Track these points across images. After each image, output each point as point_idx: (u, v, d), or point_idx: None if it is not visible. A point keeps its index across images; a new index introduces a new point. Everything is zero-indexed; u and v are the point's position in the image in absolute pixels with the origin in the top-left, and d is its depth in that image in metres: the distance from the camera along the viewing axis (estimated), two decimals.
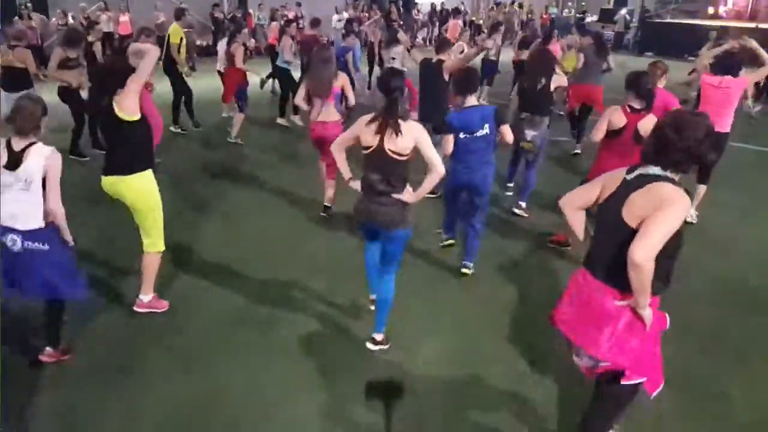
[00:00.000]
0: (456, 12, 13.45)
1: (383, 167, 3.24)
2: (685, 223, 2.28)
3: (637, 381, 2.32)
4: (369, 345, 3.60)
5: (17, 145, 3.03)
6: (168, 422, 3.01)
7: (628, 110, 4.19)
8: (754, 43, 5.30)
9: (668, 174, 2.19)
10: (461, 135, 4.17)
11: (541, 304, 4.04)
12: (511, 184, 6.19)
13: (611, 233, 2.27)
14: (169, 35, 8.23)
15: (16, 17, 12.85)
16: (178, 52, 8.19)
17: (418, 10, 20.89)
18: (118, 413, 3.07)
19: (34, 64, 6.91)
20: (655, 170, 2.21)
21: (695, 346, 3.70)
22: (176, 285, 4.33)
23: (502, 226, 5.51)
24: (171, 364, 3.46)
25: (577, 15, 21.83)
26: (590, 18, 20.65)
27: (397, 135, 3.15)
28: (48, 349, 3.37)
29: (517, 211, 5.70)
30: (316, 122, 5.23)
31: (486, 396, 3.27)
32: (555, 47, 8.75)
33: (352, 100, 5.37)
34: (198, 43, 17.11)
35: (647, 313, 2.20)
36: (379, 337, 3.59)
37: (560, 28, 14.43)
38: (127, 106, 3.44)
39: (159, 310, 3.94)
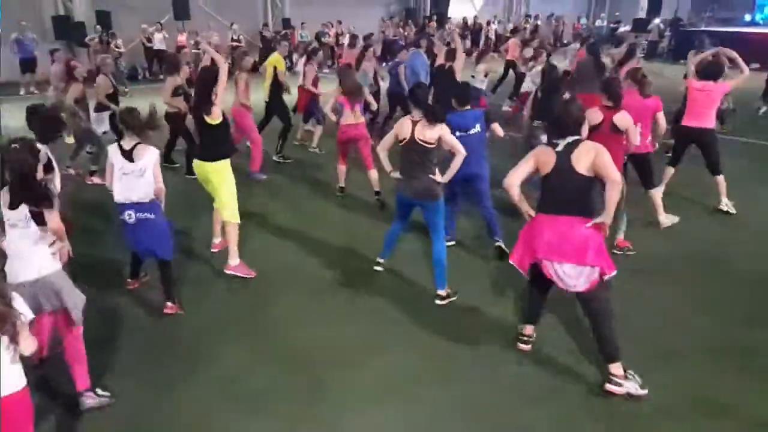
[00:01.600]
0: (514, 31, 13.74)
1: (417, 153, 4.27)
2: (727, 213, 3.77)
3: (613, 274, 3.37)
4: (438, 302, 4.43)
5: (126, 144, 4.09)
6: (288, 365, 3.79)
7: (604, 108, 4.94)
8: (733, 54, 6.18)
9: (579, 137, 3.46)
10: (458, 133, 4.66)
11: None
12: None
13: (571, 185, 3.39)
14: (275, 66, 8.07)
15: (95, 38, 14.24)
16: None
17: (452, 25, 21.64)
18: (238, 360, 3.86)
19: (104, 93, 7.83)
20: (573, 137, 3.46)
21: (738, 316, 4.27)
22: (266, 259, 5.22)
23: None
24: (276, 322, 4.28)
25: (611, 25, 22.21)
26: (624, 27, 21.02)
27: (423, 128, 4.22)
28: (168, 303, 4.34)
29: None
30: (349, 124, 6.33)
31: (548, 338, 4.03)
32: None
33: (374, 105, 6.69)
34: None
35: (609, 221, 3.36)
36: (443, 292, 4.44)
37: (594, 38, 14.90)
38: (213, 112, 4.60)
39: (245, 276, 4.85)
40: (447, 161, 4.38)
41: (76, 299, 3.27)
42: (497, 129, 5.21)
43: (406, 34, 19.22)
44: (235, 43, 16.27)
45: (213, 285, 4.86)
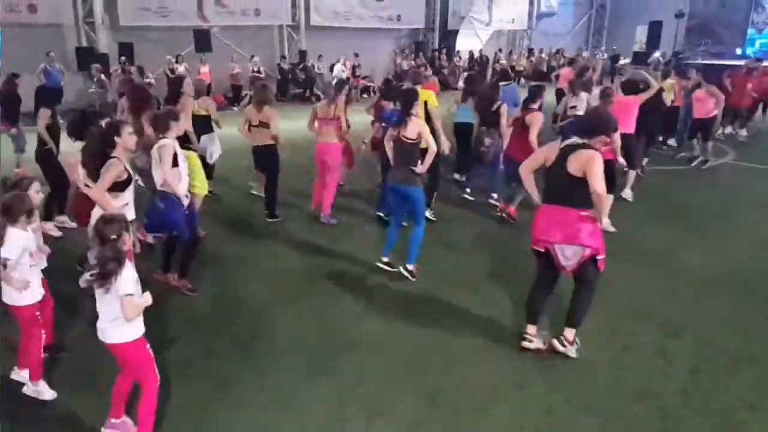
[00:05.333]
0: (571, 61, 14.59)
1: (403, 149, 5.09)
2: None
3: (602, 257, 3.90)
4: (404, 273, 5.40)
5: None
6: (398, 374, 4.02)
7: (522, 110, 6.63)
8: (645, 74, 8.32)
9: (585, 141, 3.83)
10: None
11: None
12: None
13: (564, 181, 3.83)
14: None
15: (118, 69, 14.58)
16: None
17: (460, 57, 22.34)
18: (351, 369, 4.13)
19: (216, 113, 7.35)
20: (576, 140, 3.86)
21: None
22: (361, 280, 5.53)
23: None
24: (376, 336, 4.53)
25: (609, 58, 22.99)
26: (624, 61, 21.79)
27: (407, 127, 5.02)
28: (175, 275, 5.12)
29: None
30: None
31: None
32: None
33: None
34: None
35: (603, 217, 4.20)
36: (409, 266, 5.39)
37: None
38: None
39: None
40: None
41: None
42: None
43: (415, 65, 19.79)
44: (255, 74, 16.72)
45: (304, 300, 5.08)
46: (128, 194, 4.29)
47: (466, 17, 23.49)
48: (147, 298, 3.06)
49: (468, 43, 23.91)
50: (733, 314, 4.78)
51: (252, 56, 17.44)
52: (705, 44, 24.32)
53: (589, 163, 3.71)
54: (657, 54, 21.34)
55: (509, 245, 6.24)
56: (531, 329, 4.24)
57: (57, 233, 6.33)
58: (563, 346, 4.11)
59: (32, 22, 14.99)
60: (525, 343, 4.21)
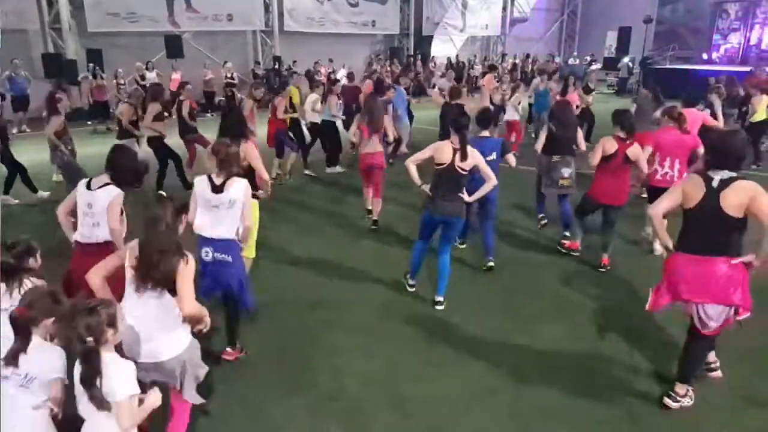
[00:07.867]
0: (492, 68, 15.31)
1: (453, 179, 4.65)
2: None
3: (746, 315, 3.29)
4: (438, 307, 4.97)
5: (218, 179, 3.82)
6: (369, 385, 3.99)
7: (619, 140, 5.32)
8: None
9: (736, 174, 3.20)
10: None
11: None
12: (545, 221, 6.90)
13: (714, 223, 3.19)
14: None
15: (88, 76, 14.30)
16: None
17: (435, 63, 22.46)
18: (325, 381, 4.08)
19: (127, 119, 8.05)
20: (727, 173, 3.20)
21: None
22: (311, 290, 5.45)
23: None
24: (340, 349, 4.43)
25: (583, 64, 23.36)
26: (595, 66, 22.15)
27: (464, 158, 4.58)
28: (228, 348, 4.15)
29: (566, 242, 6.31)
30: (366, 153, 6.62)
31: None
32: (573, 96, 10.06)
33: (391, 136, 7.09)
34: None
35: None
36: (439, 298, 4.99)
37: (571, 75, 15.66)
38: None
39: None
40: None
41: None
42: (511, 159, 5.55)
43: (391, 71, 19.84)
44: (229, 80, 16.57)
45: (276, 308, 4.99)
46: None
47: (440, 23, 23.65)
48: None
49: (443, 48, 24.09)
50: None
51: (225, 62, 17.29)
52: (673, 49, 24.90)
53: (760, 196, 3.07)
54: (626, 59, 21.74)
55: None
56: (681, 388, 3.61)
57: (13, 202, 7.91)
58: (675, 402, 3.59)
59: None
60: (669, 402, 3.61)
